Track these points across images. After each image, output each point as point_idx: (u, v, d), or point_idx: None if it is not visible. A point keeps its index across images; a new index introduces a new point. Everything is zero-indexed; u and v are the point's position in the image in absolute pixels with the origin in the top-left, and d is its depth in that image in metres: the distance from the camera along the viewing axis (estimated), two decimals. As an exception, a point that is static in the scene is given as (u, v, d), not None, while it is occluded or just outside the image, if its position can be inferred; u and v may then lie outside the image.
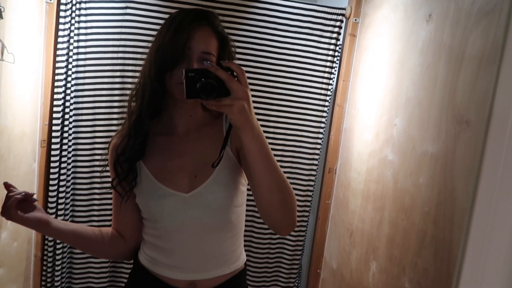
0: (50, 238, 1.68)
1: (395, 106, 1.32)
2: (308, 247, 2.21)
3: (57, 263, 1.70)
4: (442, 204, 1.01)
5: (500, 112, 0.82)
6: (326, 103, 1.81)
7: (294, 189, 1.83)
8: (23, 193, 0.91)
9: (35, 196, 0.95)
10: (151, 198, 1.00)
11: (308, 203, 1.87)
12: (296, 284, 2.76)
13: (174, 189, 0.98)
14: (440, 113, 1.05)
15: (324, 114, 1.82)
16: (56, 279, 1.71)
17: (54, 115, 1.64)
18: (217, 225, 1.01)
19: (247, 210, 1.09)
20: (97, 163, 1.73)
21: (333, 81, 1.82)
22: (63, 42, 1.61)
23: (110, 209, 1.76)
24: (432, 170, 1.07)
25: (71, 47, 1.62)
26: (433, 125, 1.08)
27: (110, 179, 1.04)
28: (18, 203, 0.91)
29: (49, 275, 1.71)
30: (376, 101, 1.47)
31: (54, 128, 1.64)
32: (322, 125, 1.82)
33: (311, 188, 1.85)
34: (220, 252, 1.03)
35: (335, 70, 1.81)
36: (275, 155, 1.78)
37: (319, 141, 1.83)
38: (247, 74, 0.83)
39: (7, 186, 0.94)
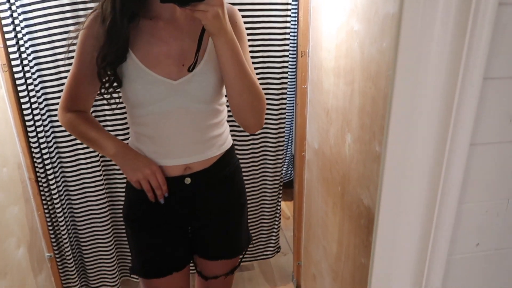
0: (39, 161, 1.72)
1: (357, -29, 1.24)
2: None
3: (51, 183, 1.76)
4: (404, 64, 1.01)
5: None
6: (291, -18, 1.70)
7: (269, 78, 1.83)
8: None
9: None
10: (138, 84, 0.99)
11: (285, 91, 1.87)
12: (285, 171, 2.91)
13: (162, 75, 0.99)
14: (399, -32, 0.99)
15: (290, -5, 1.72)
16: (54, 197, 1.79)
17: (7, 36, 1.55)
18: (203, 112, 1.05)
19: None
20: (64, 74, 1.69)
21: (296, -44, 1.69)
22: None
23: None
24: (394, 31, 1.04)
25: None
26: (393, -17, 1.03)
27: None
28: None
29: (47, 194, 1.79)
30: (339, -30, 1.38)
31: (10, 50, 1.57)
32: (290, 7, 1.74)
33: (285, 75, 1.84)
34: (208, 137, 1.09)
35: None
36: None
37: (288, 24, 1.76)
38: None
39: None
